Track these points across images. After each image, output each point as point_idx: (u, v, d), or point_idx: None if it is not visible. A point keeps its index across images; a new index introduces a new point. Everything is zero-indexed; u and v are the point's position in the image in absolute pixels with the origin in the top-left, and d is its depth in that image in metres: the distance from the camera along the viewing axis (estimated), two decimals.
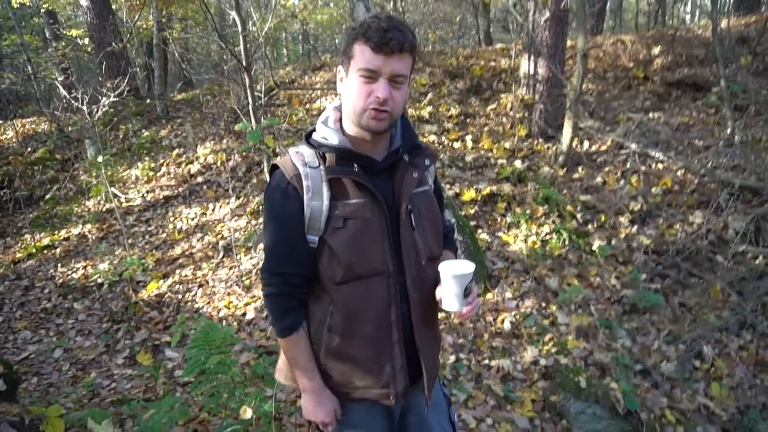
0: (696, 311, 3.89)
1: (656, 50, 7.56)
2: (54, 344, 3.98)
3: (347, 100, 1.33)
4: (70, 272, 4.96)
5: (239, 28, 4.06)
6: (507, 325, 3.56)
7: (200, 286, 4.34)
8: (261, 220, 4.98)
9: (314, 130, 1.41)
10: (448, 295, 1.35)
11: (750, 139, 5.00)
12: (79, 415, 2.57)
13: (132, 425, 2.78)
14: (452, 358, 3.26)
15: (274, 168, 1.39)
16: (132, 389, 3.30)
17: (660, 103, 6.69)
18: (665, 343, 3.56)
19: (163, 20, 8.46)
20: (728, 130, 5.39)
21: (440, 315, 1.53)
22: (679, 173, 5.21)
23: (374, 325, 1.37)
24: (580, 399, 2.98)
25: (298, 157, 1.36)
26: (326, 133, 1.36)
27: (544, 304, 3.77)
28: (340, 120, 1.39)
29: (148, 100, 8.86)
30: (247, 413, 2.29)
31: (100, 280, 4.61)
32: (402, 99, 1.30)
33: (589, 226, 4.66)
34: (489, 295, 3.85)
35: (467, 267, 1.34)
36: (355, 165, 1.34)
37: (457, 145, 5.84)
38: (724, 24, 7.43)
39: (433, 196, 1.52)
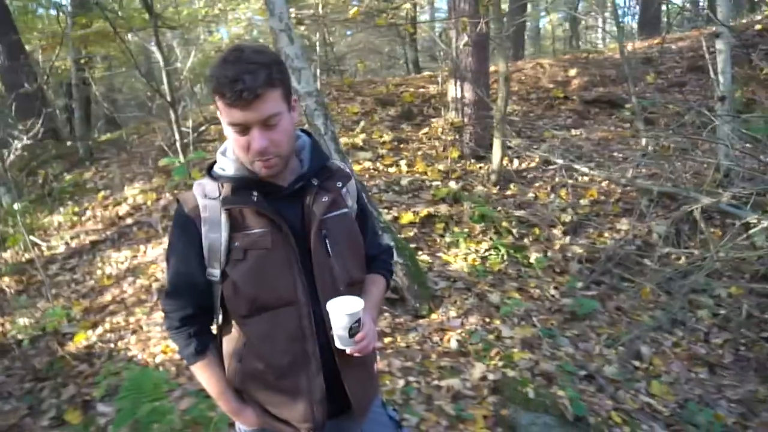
0: (631, 313, 4.06)
1: (572, 72, 8.06)
2: None
3: (232, 146, 1.28)
4: None
5: (161, 64, 3.96)
6: (454, 344, 3.56)
7: (134, 332, 4.08)
8: None
9: (216, 162, 1.37)
10: (335, 333, 1.29)
11: (661, 148, 5.37)
12: None
13: None
14: (401, 382, 3.21)
15: (178, 202, 1.36)
16: None
17: (580, 120, 7.08)
18: (605, 346, 3.67)
19: (83, 60, 8.14)
20: (642, 141, 5.77)
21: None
22: (603, 184, 5.49)
23: (289, 358, 1.33)
24: (529, 410, 3.00)
25: (199, 189, 1.32)
26: (224, 164, 1.33)
27: (488, 320, 3.81)
28: None
29: (69, 143, 8.44)
30: None
31: (20, 337, 4.26)
32: (284, 137, 1.23)
33: (525, 240, 4.80)
34: (434, 316, 3.85)
35: (352, 306, 1.26)
36: (255, 193, 1.28)
37: (392, 170, 5.90)
38: (630, 47, 8.03)
39: (353, 218, 1.46)
